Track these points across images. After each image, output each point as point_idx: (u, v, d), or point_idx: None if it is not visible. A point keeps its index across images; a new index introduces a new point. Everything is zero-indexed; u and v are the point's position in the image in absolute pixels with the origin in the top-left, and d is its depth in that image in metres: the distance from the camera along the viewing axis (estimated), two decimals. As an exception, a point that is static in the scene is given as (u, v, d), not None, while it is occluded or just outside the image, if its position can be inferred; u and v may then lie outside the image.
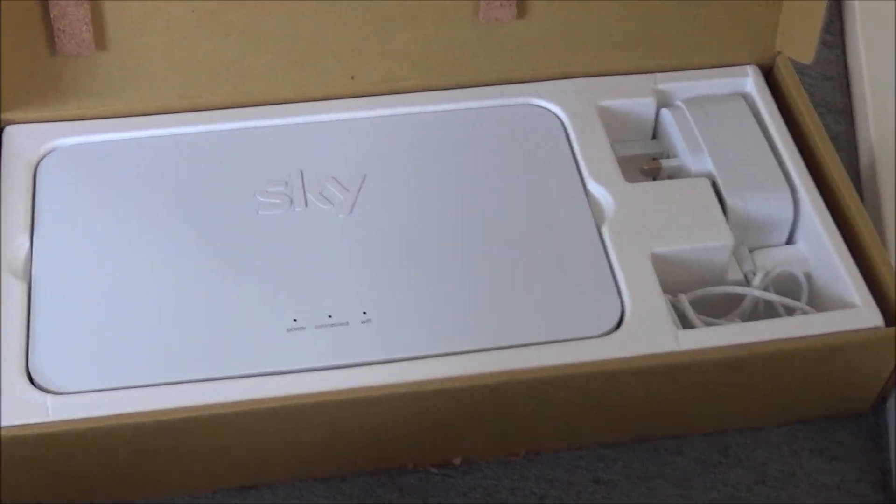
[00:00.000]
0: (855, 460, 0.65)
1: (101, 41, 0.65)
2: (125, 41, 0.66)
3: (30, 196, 0.64)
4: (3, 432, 0.54)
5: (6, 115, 0.67)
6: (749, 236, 0.66)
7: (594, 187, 0.65)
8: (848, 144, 0.77)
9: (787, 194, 0.65)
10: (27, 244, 0.62)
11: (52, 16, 0.63)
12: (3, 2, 0.62)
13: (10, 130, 0.67)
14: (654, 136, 0.72)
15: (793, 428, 0.66)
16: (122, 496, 0.61)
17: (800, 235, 0.66)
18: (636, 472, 0.64)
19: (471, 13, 0.68)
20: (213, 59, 0.67)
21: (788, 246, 0.67)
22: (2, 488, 0.58)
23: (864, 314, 0.60)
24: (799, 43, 0.70)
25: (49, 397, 0.55)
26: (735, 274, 0.65)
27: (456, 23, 0.68)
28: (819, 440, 0.66)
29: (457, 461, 0.62)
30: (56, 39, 0.64)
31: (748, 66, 0.72)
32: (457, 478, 0.63)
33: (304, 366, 0.57)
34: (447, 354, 0.58)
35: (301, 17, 0.66)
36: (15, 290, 0.60)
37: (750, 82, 0.71)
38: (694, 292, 0.63)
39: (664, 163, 0.69)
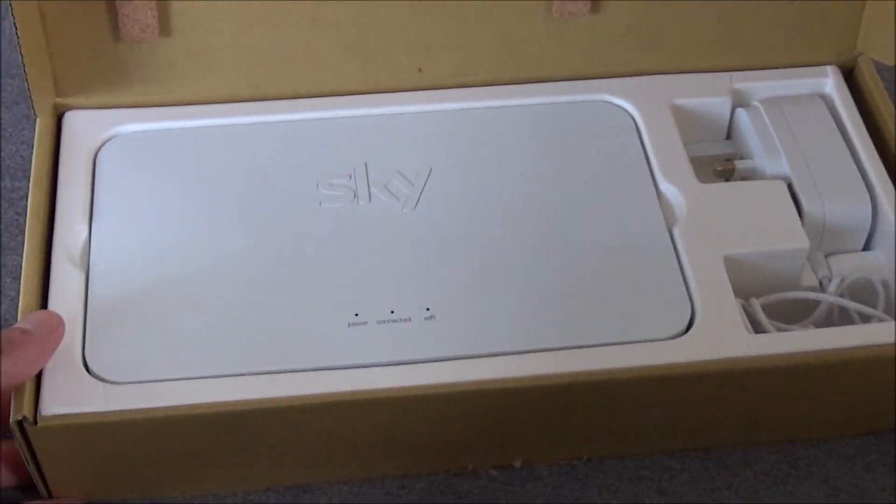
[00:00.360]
0: None
1: (165, 27, 0.64)
2: (190, 28, 0.64)
3: (89, 184, 0.63)
4: (58, 420, 0.53)
5: (67, 101, 0.66)
6: (825, 241, 0.64)
7: (666, 187, 0.63)
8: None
9: (866, 199, 0.63)
10: (86, 232, 0.61)
11: (116, 1, 0.62)
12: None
13: (70, 116, 0.66)
14: (729, 137, 0.70)
15: (865, 440, 0.64)
16: (174, 491, 0.60)
17: (878, 242, 0.64)
18: (702, 485, 0.62)
19: (544, 8, 0.66)
20: (280, 47, 0.66)
21: (865, 252, 0.65)
22: (48, 479, 0.56)
23: None
24: (882, 43, 0.68)
25: (104, 386, 0.54)
26: (809, 279, 0.63)
27: (528, 17, 0.66)
28: (892, 453, 0.64)
29: (517, 463, 0.61)
30: (120, 24, 0.63)
31: (828, 67, 0.69)
32: (516, 485, 0.62)
33: (364, 361, 0.56)
34: (511, 353, 0.56)
35: (371, 8, 0.64)
36: (72, 279, 0.59)
37: (830, 83, 0.69)
38: (767, 297, 0.61)
39: (738, 164, 0.67)
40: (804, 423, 0.62)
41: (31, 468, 0.56)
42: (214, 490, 0.60)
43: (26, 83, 0.64)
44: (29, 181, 0.64)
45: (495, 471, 0.61)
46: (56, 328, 0.56)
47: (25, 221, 0.61)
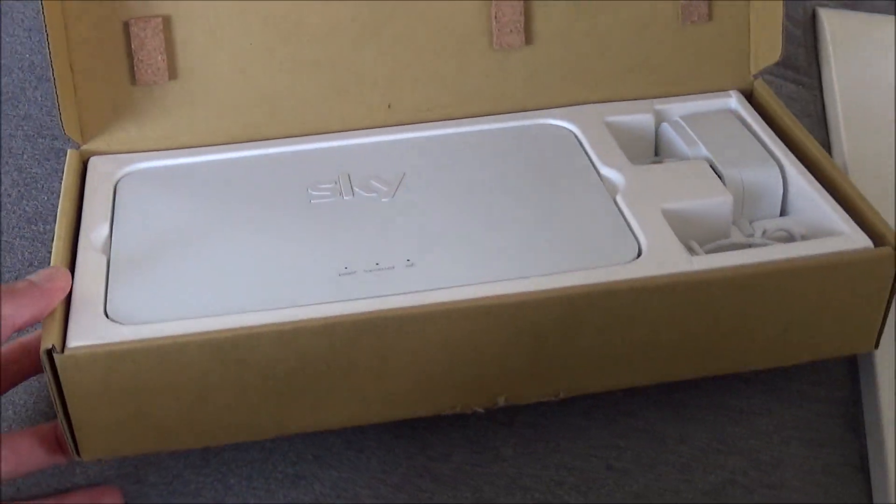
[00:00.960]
0: (837, 447, 0.67)
1: (173, 71, 0.70)
2: (194, 71, 0.71)
3: (110, 199, 0.68)
4: (81, 351, 0.56)
5: (91, 147, 0.72)
6: (747, 207, 0.68)
7: (606, 171, 0.69)
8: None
9: (776, 167, 0.69)
10: (107, 230, 0.66)
11: (132, 47, 0.68)
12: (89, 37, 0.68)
13: (94, 161, 0.71)
14: (657, 152, 0.76)
15: (781, 418, 0.68)
16: (191, 439, 0.61)
17: (792, 205, 0.69)
18: (644, 460, 0.66)
19: (487, 42, 0.73)
20: (269, 89, 0.72)
21: (783, 217, 0.69)
22: (73, 418, 0.58)
23: (854, 238, 0.62)
24: (768, 49, 0.75)
25: (122, 327, 0.57)
26: (737, 237, 0.67)
27: (476, 51, 0.73)
28: (805, 430, 0.67)
29: (501, 400, 0.62)
30: (136, 69, 0.69)
31: (731, 91, 0.76)
32: (486, 466, 0.65)
33: (355, 296, 0.59)
34: (486, 283, 0.59)
35: (344, 52, 0.71)
36: (97, 261, 0.63)
37: (734, 102, 0.76)
38: (704, 245, 0.65)
39: (666, 160, 0.72)
40: (746, 350, 0.65)
41: (58, 408, 0.57)
42: (225, 439, 0.61)
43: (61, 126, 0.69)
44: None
45: (482, 409, 0.63)
46: (59, 280, 0.59)
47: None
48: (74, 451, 0.59)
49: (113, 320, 0.58)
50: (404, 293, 0.59)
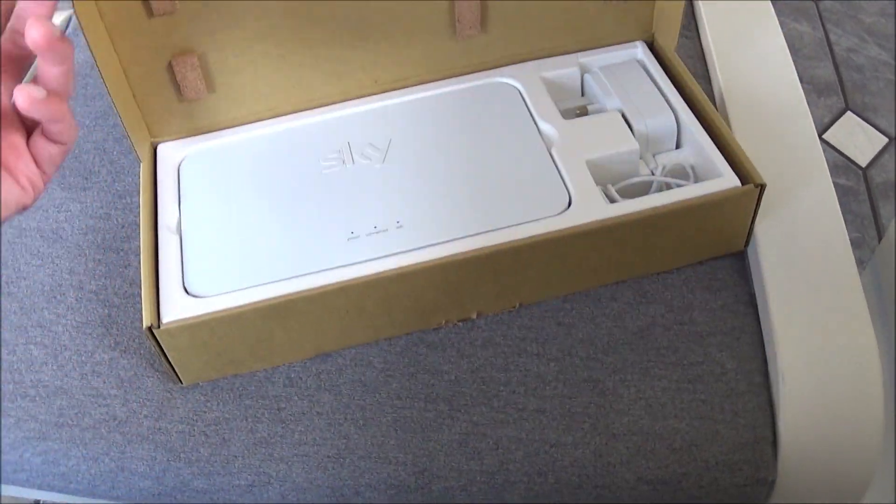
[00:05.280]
0: (732, 290, 0.70)
1: (210, 86, 0.72)
2: (226, 84, 0.72)
3: (176, 182, 0.71)
4: (173, 324, 0.61)
5: (156, 139, 0.74)
6: (651, 146, 0.71)
7: (543, 126, 0.71)
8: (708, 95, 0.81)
9: (671, 115, 0.71)
10: (177, 212, 0.69)
11: (177, 78, 0.70)
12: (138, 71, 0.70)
13: (161, 147, 0.74)
14: (583, 94, 0.77)
15: (688, 274, 0.70)
16: (256, 365, 0.67)
17: (684, 141, 0.72)
18: (585, 315, 0.69)
19: (451, 33, 0.74)
20: (284, 82, 0.73)
21: (678, 150, 0.72)
22: (175, 366, 0.64)
23: (728, 181, 0.66)
24: (667, 35, 0.76)
25: (197, 300, 0.63)
26: (645, 171, 0.70)
27: (442, 38, 0.74)
28: (707, 279, 0.70)
29: (474, 315, 0.68)
30: (182, 90, 0.71)
31: (637, 42, 0.77)
32: (464, 332, 0.68)
33: (361, 259, 0.63)
34: (457, 239, 0.63)
35: (335, 40, 0.72)
36: (171, 241, 0.67)
37: (640, 52, 0.77)
38: (618, 184, 0.69)
39: (589, 108, 0.74)
40: (651, 262, 0.69)
41: (163, 360, 0.64)
42: (280, 361, 0.67)
43: (126, 135, 0.71)
44: (139, 196, 0.72)
45: (460, 322, 0.68)
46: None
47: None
48: (178, 380, 0.66)
49: (191, 294, 0.63)
50: (397, 253, 0.63)
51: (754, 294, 0.70)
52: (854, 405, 0.64)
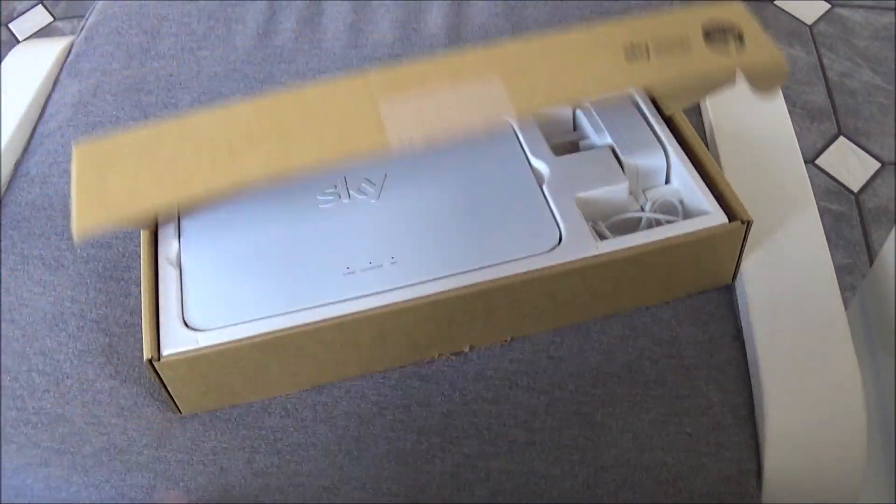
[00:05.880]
0: (719, 324, 0.71)
1: None
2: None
3: (176, 215, 0.72)
4: (173, 357, 0.63)
5: None
6: (640, 181, 0.72)
7: (535, 162, 0.72)
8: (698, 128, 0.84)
9: (661, 151, 0.72)
10: (177, 245, 0.70)
11: None
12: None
13: None
14: (574, 129, 0.78)
15: (676, 307, 0.72)
16: (253, 396, 0.68)
17: (673, 177, 0.73)
18: (575, 349, 0.70)
19: None
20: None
21: (667, 185, 0.73)
22: (174, 396, 0.66)
23: (715, 218, 0.67)
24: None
25: (196, 333, 0.64)
26: (634, 206, 0.72)
27: None
28: (695, 313, 0.72)
29: (466, 349, 0.69)
30: None
31: None
32: (457, 366, 0.69)
33: (357, 295, 0.64)
34: (450, 276, 0.64)
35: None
36: (171, 274, 0.68)
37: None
38: (608, 220, 0.70)
39: (581, 143, 0.76)
40: (642, 295, 0.70)
41: (163, 391, 0.65)
42: (277, 393, 0.68)
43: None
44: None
45: (453, 356, 0.69)
46: None
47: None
48: (177, 410, 0.68)
49: (190, 327, 0.64)
50: (392, 289, 0.64)
51: (741, 328, 0.71)
52: (837, 439, 0.66)
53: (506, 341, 0.70)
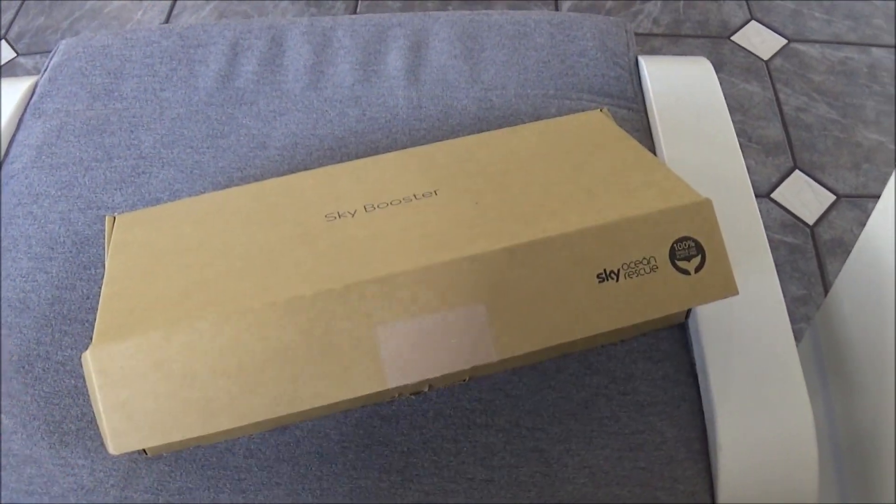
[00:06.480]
0: (674, 360, 0.74)
1: None
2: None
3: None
4: None
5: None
6: None
7: None
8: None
9: None
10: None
11: None
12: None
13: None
14: None
15: (631, 345, 0.74)
16: (220, 438, 0.69)
17: None
18: (532, 387, 0.72)
19: None
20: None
21: None
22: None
23: None
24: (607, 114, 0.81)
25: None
26: None
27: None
28: (649, 350, 0.74)
29: (426, 388, 0.69)
30: None
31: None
32: (417, 405, 0.71)
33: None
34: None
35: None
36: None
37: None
38: None
39: None
40: (599, 338, 0.72)
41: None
42: (241, 434, 0.69)
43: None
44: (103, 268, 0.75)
45: (413, 396, 0.72)
46: None
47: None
48: (143, 451, 0.68)
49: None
50: None
51: (695, 363, 0.74)
52: (789, 472, 0.68)
53: (465, 380, 0.72)
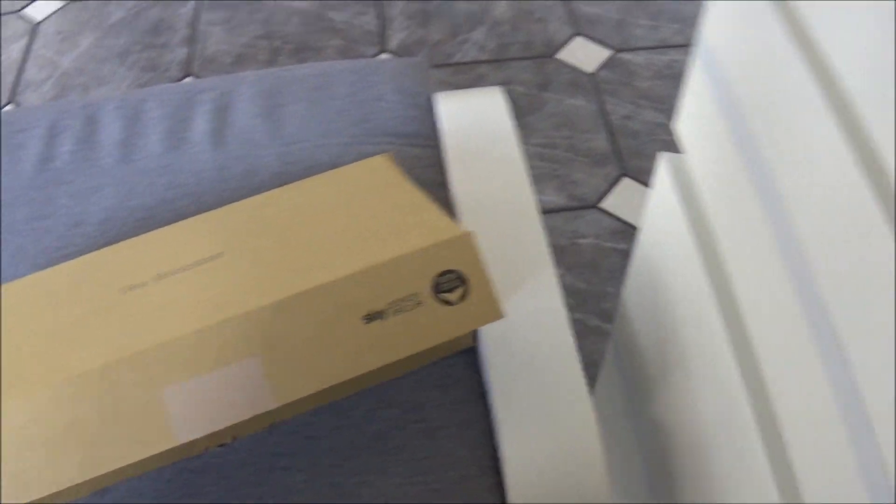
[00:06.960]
0: (465, 384, 0.80)
1: None
2: None
3: None
4: None
5: None
6: None
7: None
8: (444, 200, 0.95)
9: None
10: None
11: None
12: None
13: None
14: None
15: (422, 375, 0.79)
16: None
17: None
18: (330, 426, 0.76)
19: None
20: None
21: None
22: None
23: None
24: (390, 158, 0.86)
25: None
26: None
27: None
28: (440, 378, 0.80)
29: (229, 440, 0.74)
30: None
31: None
32: (223, 455, 0.76)
33: None
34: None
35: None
36: None
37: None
38: None
39: None
40: (391, 370, 0.77)
41: None
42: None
43: None
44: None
45: (219, 447, 0.76)
46: None
47: None
48: None
49: None
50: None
51: (485, 385, 0.80)
52: (576, 473, 0.75)
53: (266, 426, 0.77)
